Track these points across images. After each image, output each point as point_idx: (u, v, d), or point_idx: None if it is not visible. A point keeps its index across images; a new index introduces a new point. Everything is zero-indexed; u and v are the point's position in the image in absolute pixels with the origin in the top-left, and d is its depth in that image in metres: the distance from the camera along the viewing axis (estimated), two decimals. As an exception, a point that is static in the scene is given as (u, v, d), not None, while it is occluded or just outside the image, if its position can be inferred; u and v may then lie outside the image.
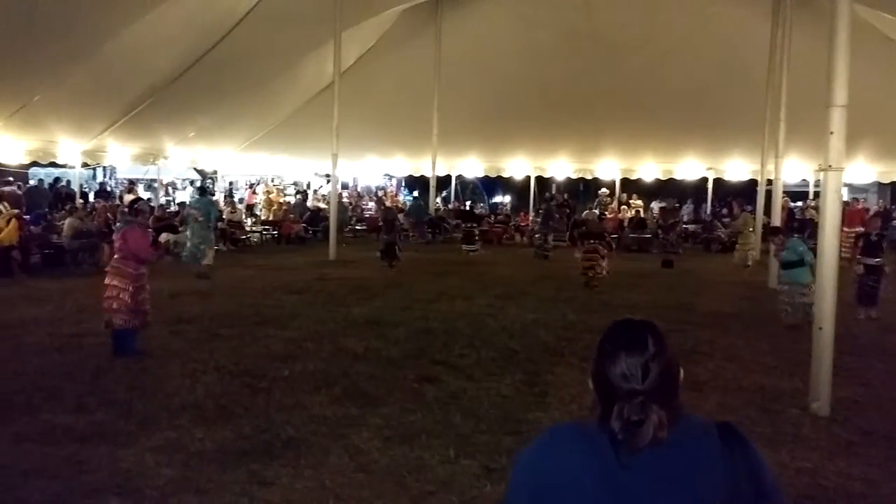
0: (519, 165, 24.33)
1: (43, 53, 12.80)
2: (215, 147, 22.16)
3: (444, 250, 18.98)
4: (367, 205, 26.56)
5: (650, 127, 20.60)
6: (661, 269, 15.89)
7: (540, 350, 8.05)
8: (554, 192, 24.62)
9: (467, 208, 23.78)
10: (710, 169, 22.56)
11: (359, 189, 28.93)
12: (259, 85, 18.67)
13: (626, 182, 24.38)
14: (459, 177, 25.84)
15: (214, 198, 20.05)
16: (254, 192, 25.95)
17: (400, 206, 25.33)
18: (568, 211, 24.01)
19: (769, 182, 14.97)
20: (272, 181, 26.90)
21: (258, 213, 23.71)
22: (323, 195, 25.99)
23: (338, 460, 4.81)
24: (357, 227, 23.15)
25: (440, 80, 20.15)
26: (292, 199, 25.20)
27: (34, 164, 18.75)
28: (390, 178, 30.22)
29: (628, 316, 1.63)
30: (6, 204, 14.66)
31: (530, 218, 24.02)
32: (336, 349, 7.85)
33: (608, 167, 23.63)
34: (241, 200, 23.86)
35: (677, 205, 21.76)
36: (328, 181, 29.67)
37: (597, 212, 22.67)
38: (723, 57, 18.19)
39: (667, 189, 26.41)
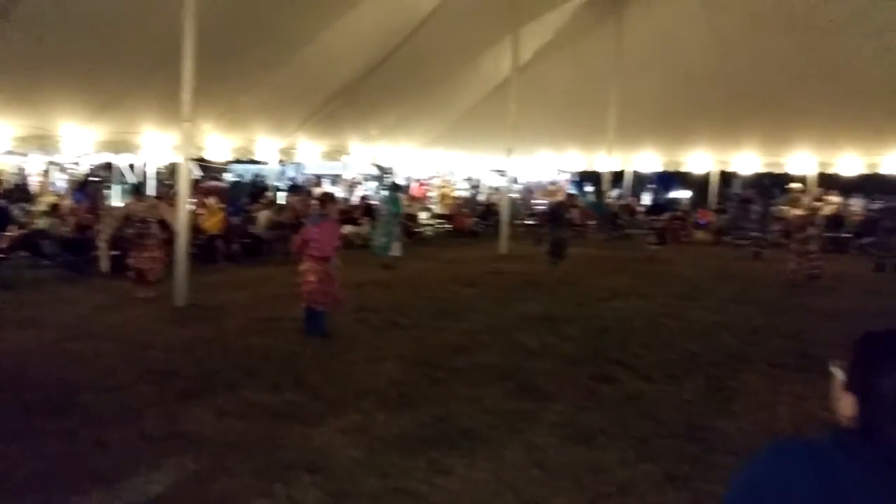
0: (699, 159, 23.09)
1: (247, 59, 13.97)
2: (396, 144, 23.06)
3: (618, 247, 18.46)
4: (539, 200, 26.44)
5: (851, 116, 18.67)
6: (868, 272, 14.45)
7: (723, 354, 7.60)
8: (741, 187, 23.10)
9: (651, 203, 22.79)
10: (923, 161, 20.10)
11: (531, 184, 28.87)
12: (438, 82, 19.16)
13: (822, 177, 22.36)
14: (635, 171, 25.00)
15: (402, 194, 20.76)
16: (420, 186, 26.68)
17: (575, 201, 24.95)
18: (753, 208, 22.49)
19: None
20: (446, 177, 27.53)
21: (432, 206, 24.38)
22: (496, 190, 26.22)
23: (514, 455, 4.81)
24: (528, 223, 23.12)
25: (619, 71, 19.59)
26: (465, 194, 25.65)
27: (236, 160, 20.54)
28: (563, 172, 29.87)
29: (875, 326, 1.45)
30: (215, 198, 16.17)
31: (710, 214, 22.76)
32: (510, 343, 7.88)
33: (801, 160, 21.78)
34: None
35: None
36: (501, 176, 29.99)
37: (786, 208, 21.08)
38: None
39: (870, 184, 23.94)
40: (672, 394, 6.16)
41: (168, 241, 10.14)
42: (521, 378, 6.54)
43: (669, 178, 28.10)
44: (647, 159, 23.63)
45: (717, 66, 19.03)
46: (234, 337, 7.84)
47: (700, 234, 21.21)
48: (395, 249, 14.18)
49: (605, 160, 21.48)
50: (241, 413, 5.46)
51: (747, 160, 22.48)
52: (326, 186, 24.06)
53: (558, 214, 14.84)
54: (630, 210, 22.53)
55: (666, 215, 18.27)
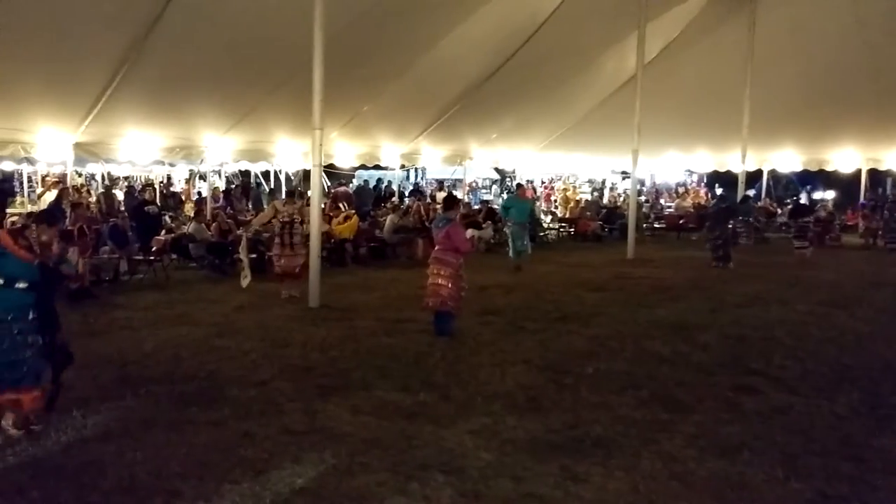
0: (846, 157, 21.57)
1: (370, 69, 14.43)
2: (516, 147, 23.02)
3: (755, 251, 17.51)
4: (665, 203, 25.59)
5: None
6: None
7: (880, 368, 7.02)
8: (890, 187, 21.37)
9: (793, 204, 21.34)
10: None
11: (657, 186, 27.99)
12: (558, 84, 18.95)
13: None
14: (772, 171, 23.66)
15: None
16: (533, 190, 26.44)
17: (703, 202, 23.97)
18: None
19: None
20: (568, 179, 27.20)
21: (554, 210, 24.15)
22: (620, 193, 25.62)
23: (650, 465, 4.65)
24: (656, 226, 22.41)
25: (753, 66, 18.63)
26: (588, 197, 25.20)
27: (361, 166, 21.23)
28: (691, 173, 28.79)
29: None
30: (344, 203, 16.77)
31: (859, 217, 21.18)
32: (640, 350, 7.64)
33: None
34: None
35: None
36: (623, 178, 29.28)
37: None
38: None
39: None
40: (823, 408, 5.74)
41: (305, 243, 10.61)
42: (653, 387, 6.31)
43: (810, 178, 26.40)
44: (786, 158, 22.33)
45: (863, 57, 17.77)
46: (365, 337, 8.06)
47: (848, 238, 19.74)
48: (526, 255, 14.18)
49: (737, 159, 20.48)
50: (374, 411, 5.59)
51: (902, 157, 20.81)
52: (448, 191, 24.37)
53: (722, 216, 14.50)
54: (767, 212, 21.34)
55: (810, 217, 17.08)
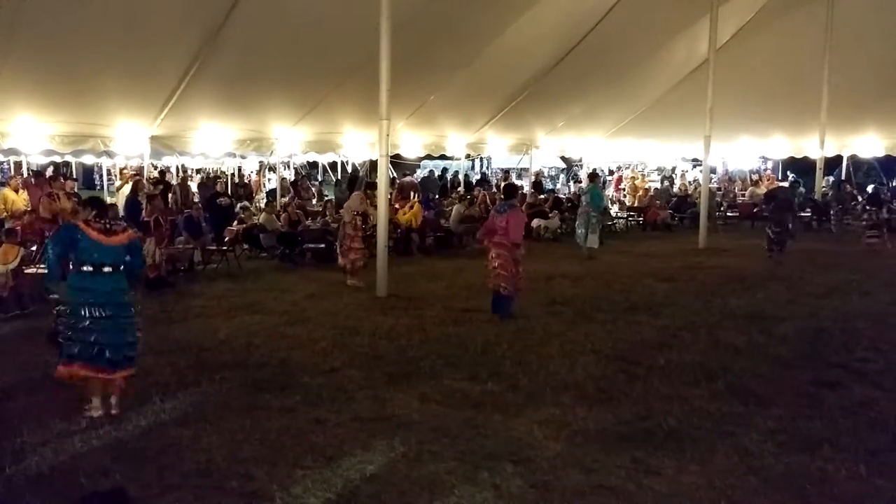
0: (934, 141, 20.43)
1: (436, 59, 14.43)
2: (583, 135, 22.67)
3: (835, 240, 16.80)
4: (739, 190, 24.77)
5: None
6: None
7: (971, 362, 6.64)
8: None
9: (871, 192, 20.33)
10: None
11: (730, 173, 27.12)
12: (627, 70, 18.55)
13: None
14: (852, 157, 22.59)
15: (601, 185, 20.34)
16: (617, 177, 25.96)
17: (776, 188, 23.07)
18: None
19: None
20: (637, 167, 26.63)
21: (623, 198, 23.70)
22: (691, 181, 24.93)
23: (726, 459, 4.53)
24: (728, 214, 21.73)
25: (831, 48, 17.82)
26: (658, 185, 24.62)
27: (427, 156, 21.28)
28: (765, 160, 27.79)
29: None
30: (413, 193, 16.88)
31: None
32: (713, 341, 7.44)
33: None
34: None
35: None
36: (694, 166, 28.48)
37: None
38: None
39: None
40: (908, 403, 5.49)
41: (371, 234, 10.71)
42: (728, 379, 6.14)
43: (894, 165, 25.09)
44: (868, 143, 21.28)
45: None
46: (432, 326, 8.09)
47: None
48: (593, 241, 14.12)
49: (815, 145, 19.63)
50: (443, 400, 5.61)
51: None
52: (513, 179, 24.22)
53: (784, 202, 14.10)
54: (848, 200, 20.36)
55: (883, 208, 16.30)
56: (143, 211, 11.58)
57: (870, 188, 21.79)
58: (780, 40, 18.83)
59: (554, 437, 4.86)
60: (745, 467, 4.42)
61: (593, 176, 16.37)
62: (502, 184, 17.53)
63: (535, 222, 16.96)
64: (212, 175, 22.75)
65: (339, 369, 6.40)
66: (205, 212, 13.92)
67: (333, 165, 26.51)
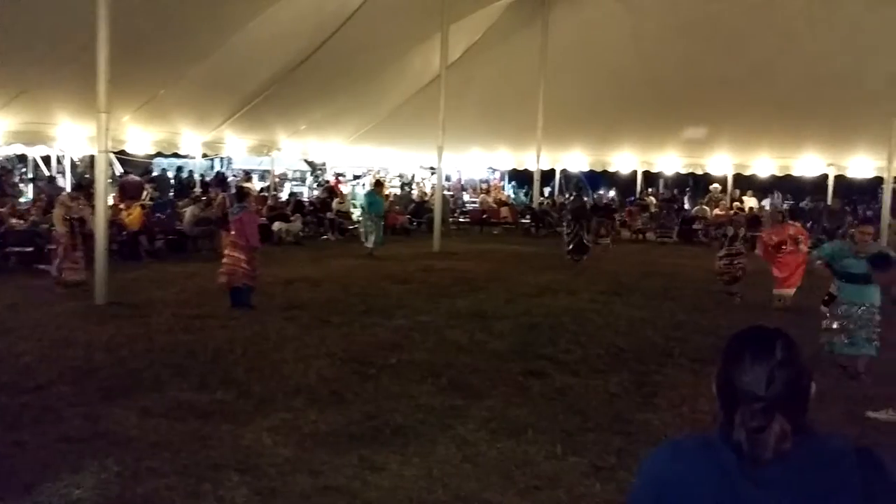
0: (625, 159, 23.76)
1: (168, 50, 13.58)
2: (326, 139, 22.81)
3: (547, 244, 18.77)
4: (470, 198, 26.64)
5: (767, 119, 19.57)
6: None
7: (647, 349, 7.84)
8: (662, 187, 23.85)
9: (603, 202, 23.09)
10: (830, 165, 21.10)
11: (462, 182, 29.03)
12: (368, 78, 19.06)
13: (738, 178, 23.35)
14: (563, 170, 25.48)
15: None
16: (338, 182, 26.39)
17: (504, 198, 25.25)
18: (676, 207, 23.49)
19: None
20: (377, 173, 27.36)
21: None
22: (424, 187, 26.24)
23: (445, 450, 4.86)
24: (460, 220, 23.27)
25: (546, 72, 19.95)
26: (397, 191, 25.57)
27: (159, 154, 19.90)
28: (493, 171, 30.20)
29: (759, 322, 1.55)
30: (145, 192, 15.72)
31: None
32: (441, 340, 7.93)
33: (720, 162, 22.67)
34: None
35: (847, 207, 20.64)
36: (432, 173, 30.05)
37: (707, 208, 21.92)
38: (848, 44, 17.08)
39: (781, 185, 25.24)
40: (599, 388, 6.32)
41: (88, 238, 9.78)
42: (452, 374, 6.59)
43: (597, 178, 28.73)
44: (575, 158, 24.12)
45: (641, 69, 19.57)
46: (159, 334, 7.63)
47: (626, 232, 21.74)
48: (370, 242, 15.24)
49: (533, 158, 21.82)
50: (167, 412, 5.32)
51: (671, 161, 23.28)
52: (255, 182, 23.63)
53: (579, 211, 15.44)
54: (559, 208, 22.91)
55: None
56: None
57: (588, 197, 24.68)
58: (504, 61, 20.66)
59: (283, 443, 4.85)
60: (462, 456, 4.78)
61: (377, 183, 17.02)
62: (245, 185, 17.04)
63: (277, 225, 16.72)
64: None
65: (46, 386, 5.77)
66: None
67: (47, 159, 23.65)
